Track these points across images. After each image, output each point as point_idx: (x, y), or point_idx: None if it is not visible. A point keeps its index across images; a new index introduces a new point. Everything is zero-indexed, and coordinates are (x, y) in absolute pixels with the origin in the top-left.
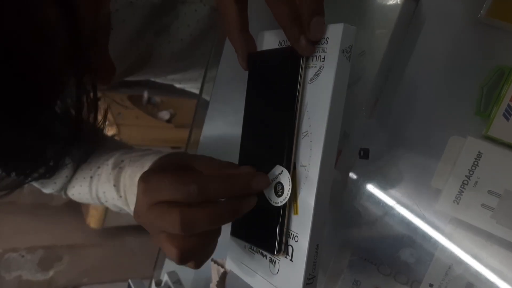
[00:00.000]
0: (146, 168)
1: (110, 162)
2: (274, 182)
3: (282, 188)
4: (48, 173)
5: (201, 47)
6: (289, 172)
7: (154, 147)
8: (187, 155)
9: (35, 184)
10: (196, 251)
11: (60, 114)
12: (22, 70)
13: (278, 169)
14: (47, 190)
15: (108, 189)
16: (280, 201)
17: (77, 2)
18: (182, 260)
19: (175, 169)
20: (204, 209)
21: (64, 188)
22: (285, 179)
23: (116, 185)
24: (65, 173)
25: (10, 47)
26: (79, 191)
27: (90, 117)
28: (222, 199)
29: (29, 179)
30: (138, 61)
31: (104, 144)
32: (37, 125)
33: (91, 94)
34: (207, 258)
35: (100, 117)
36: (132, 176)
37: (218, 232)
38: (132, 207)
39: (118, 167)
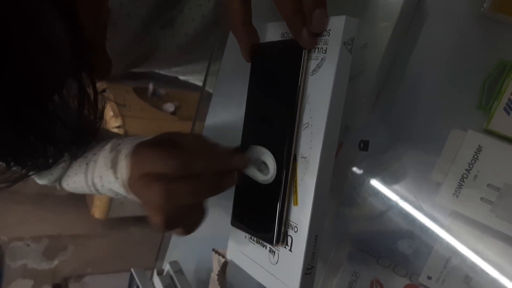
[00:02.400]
0: None
1: (107, 146)
2: (257, 162)
3: (267, 167)
4: (48, 167)
5: (205, 41)
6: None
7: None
8: (178, 133)
9: (35, 177)
10: (180, 219)
11: (61, 114)
12: (22, 73)
13: (257, 149)
14: (42, 181)
15: (104, 172)
16: (267, 179)
17: (79, 11)
18: (167, 227)
19: (165, 144)
20: (186, 183)
21: (59, 179)
22: (267, 157)
23: (113, 167)
24: (62, 164)
25: (14, 57)
26: (74, 179)
27: (90, 114)
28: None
29: (30, 172)
30: (143, 54)
31: (99, 134)
32: (38, 126)
33: (91, 92)
34: (196, 226)
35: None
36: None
37: (202, 203)
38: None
39: (116, 150)
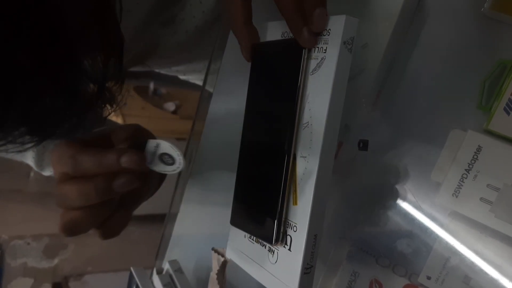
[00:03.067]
0: None
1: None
2: (156, 156)
3: (171, 157)
4: (71, 132)
5: (205, 39)
6: None
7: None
8: (113, 128)
9: (35, 167)
10: (82, 224)
11: (89, 77)
12: (56, 30)
13: (153, 143)
14: (46, 173)
15: None
16: (174, 169)
17: None
18: (64, 231)
19: (92, 142)
20: (72, 185)
21: None
22: (167, 148)
23: None
24: None
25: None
26: None
27: (116, 84)
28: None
29: (53, 135)
30: (144, 51)
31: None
32: (70, 86)
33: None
34: (116, 231)
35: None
36: None
37: (109, 207)
38: None
39: None
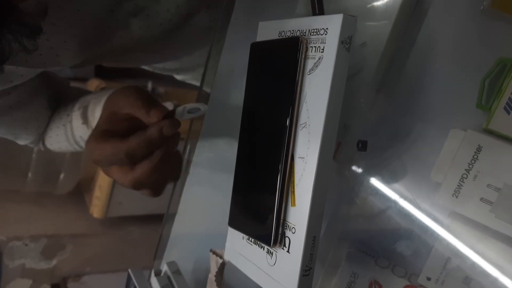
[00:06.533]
0: (101, 102)
1: (76, 105)
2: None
3: (196, 108)
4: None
5: (186, 34)
6: None
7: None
8: (121, 103)
9: (9, 137)
10: (145, 181)
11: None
12: None
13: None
14: (21, 142)
15: (82, 131)
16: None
17: None
18: (135, 187)
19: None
20: (139, 169)
21: (42, 139)
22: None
23: (85, 122)
24: (36, 125)
25: None
26: (57, 140)
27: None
28: None
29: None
30: (120, 44)
31: (70, 93)
32: None
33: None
34: (163, 187)
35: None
36: (96, 109)
37: (167, 165)
38: None
39: (83, 106)
